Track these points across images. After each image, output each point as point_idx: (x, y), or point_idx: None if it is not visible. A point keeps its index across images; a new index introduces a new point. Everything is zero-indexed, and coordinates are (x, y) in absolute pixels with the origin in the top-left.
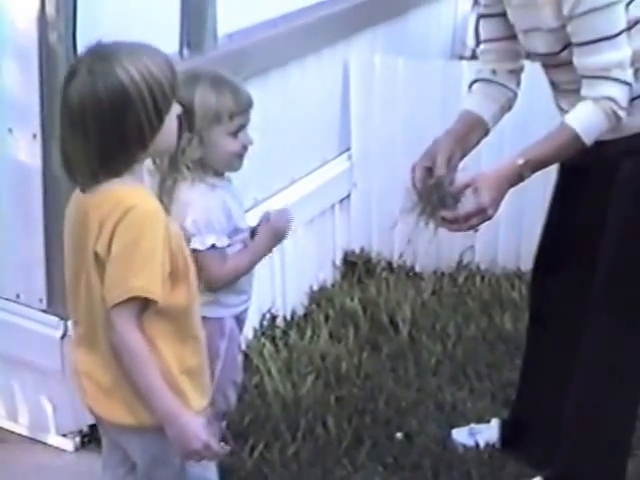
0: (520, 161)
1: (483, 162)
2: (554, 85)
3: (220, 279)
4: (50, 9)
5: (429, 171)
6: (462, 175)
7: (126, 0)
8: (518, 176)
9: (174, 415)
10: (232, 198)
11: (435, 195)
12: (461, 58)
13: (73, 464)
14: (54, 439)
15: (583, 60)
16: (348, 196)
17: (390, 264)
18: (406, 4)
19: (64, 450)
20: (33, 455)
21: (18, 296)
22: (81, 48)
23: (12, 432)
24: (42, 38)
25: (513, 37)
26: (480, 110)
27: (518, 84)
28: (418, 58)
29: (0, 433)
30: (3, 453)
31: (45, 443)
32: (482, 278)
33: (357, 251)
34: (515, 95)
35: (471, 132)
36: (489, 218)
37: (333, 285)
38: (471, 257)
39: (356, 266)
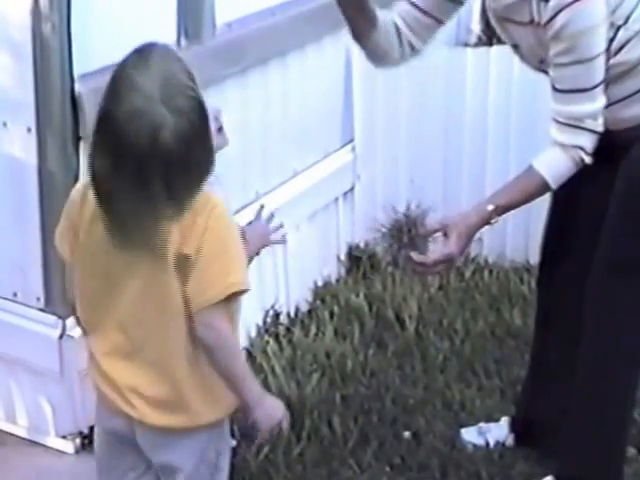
0: (490, 207)
1: (489, 158)
2: None
3: None
4: (44, 0)
5: None
6: (433, 219)
7: None
8: (486, 221)
9: (262, 394)
10: None
11: (406, 236)
12: (466, 45)
13: (73, 466)
14: (54, 441)
15: (558, 107)
16: (352, 189)
17: (396, 258)
18: None
19: (64, 452)
20: (32, 458)
21: (15, 295)
22: (75, 39)
23: (11, 434)
24: (35, 30)
25: (439, 22)
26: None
27: (401, 44)
28: None
29: None
30: (1, 456)
31: (44, 445)
32: (490, 272)
33: (362, 245)
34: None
35: None
36: (454, 264)
37: (337, 281)
38: (479, 250)
39: (361, 261)
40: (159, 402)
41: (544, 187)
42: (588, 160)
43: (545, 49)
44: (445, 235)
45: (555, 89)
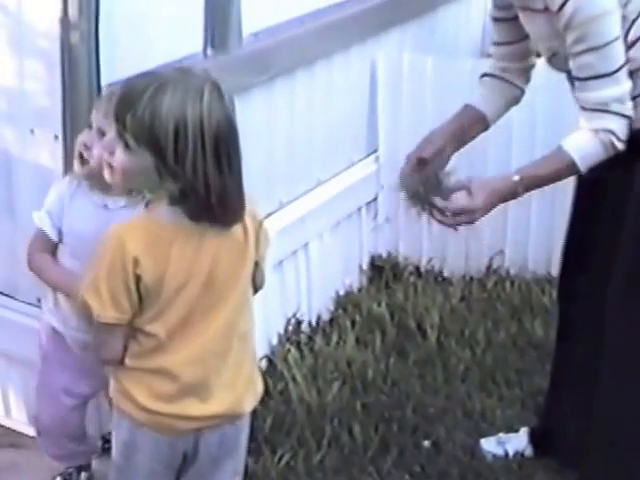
0: (516, 178)
1: (513, 168)
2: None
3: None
4: (73, 9)
5: (421, 161)
6: (459, 177)
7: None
8: (512, 192)
9: None
10: (91, 210)
11: (422, 188)
12: (490, 56)
13: (95, 470)
14: None
15: (583, 94)
16: (375, 199)
17: (418, 268)
18: (435, 2)
19: None
20: (54, 461)
21: (39, 300)
22: (103, 48)
23: (32, 437)
24: (64, 39)
25: (525, 38)
26: (482, 106)
27: (527, 81)
28: (447, 57)
29: (20, 438)
30: (23, 459)
31: None
32: (512, 283)
33: (384, 255)
34: (522, 92)
35: (470, 127)
36: (473, 221)
37: (360, 290)
38: (501, 262)
39: (383, 270)
40: (243, 391)
41: (572, 167)
42: (620, 146)
43: (559, 39)
44: (469, 191)
45: (577, 78)
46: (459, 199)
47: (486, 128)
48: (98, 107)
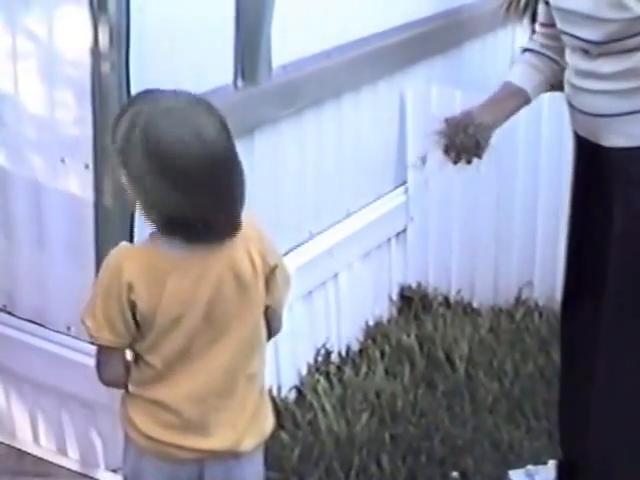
0: None
1: (541, 197)
2: (574, 75)
3: None
4: (103, 40)
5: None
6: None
7: (180, 31)
8: None
9: None
10: None
11: (462, 135)
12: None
13: None
14: (104, 474)
15: None
16: (404, 230)
17: (447, 300)
18: (462, 36)
19: None
20: None
21: (69, 328)
22: (133, 78)
23: (62, 467)
24: (95, 68)
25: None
26: (521, 81)
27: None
28: (475, 90)
29: (50, 467)
30: None
31: (95, 478)
32: (540, 315)
33: (414, 286)
34: (562, 69)
35: (508, 99)
36: None
37: (389, 320)
38: (529, 293)
39: (412, 301)
40: (244, 429)
41: None
42: None
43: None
44: None
45: None
46: None
47: (527, 102)
48: None
